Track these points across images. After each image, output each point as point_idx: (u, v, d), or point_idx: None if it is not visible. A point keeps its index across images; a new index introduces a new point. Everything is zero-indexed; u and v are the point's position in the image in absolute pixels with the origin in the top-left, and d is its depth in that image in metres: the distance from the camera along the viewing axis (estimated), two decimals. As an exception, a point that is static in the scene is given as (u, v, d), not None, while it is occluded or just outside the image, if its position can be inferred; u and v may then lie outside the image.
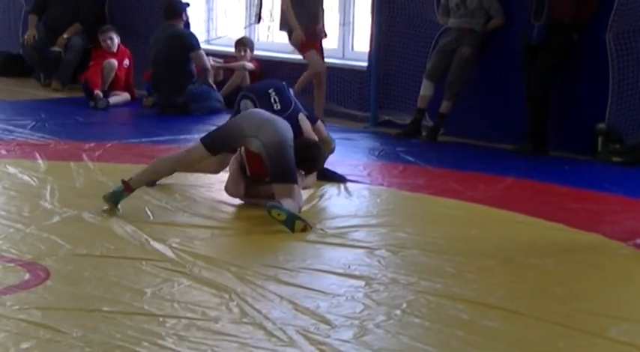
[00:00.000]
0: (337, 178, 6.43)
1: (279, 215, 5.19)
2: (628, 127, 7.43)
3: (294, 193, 5.44)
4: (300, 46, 8.55)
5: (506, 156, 7.60)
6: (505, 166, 7.00)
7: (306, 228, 5.23)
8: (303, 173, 5.81)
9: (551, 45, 7.49)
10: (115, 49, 9.73)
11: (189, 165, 5.80)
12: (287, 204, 5.29)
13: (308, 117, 6.06)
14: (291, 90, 6.20)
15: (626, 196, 6.27)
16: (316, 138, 5.98)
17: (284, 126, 5.55)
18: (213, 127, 8.16)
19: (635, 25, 7.30)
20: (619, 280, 4.69)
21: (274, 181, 5.47)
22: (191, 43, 9.19)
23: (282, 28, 8.74)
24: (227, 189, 5.82)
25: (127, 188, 5.44)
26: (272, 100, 5.93)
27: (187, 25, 9.49)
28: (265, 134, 5.45)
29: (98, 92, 9.38)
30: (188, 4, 9.50)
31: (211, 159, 5.71)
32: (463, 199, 6.10)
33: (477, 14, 8.06)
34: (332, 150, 6.43)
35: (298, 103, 6.07)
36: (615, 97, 7.50)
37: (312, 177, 6.09)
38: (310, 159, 5.76)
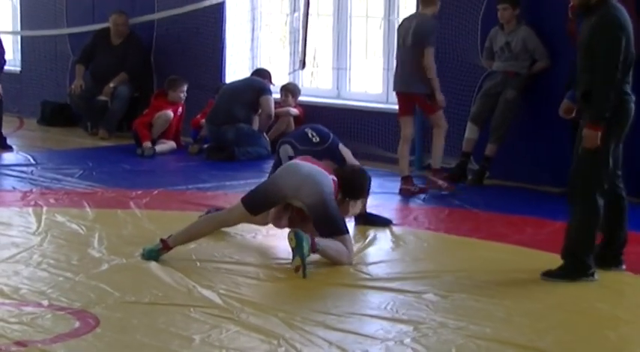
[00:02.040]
0: (382, 222, 6.41)
1: (291, 240, 5.21)
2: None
3: (346, 242, 5.45)
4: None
5: (554, 199, 7.53)
6: (552, 209, 6.94)
7: (298, 268, 5.19)
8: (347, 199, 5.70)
9: None
10: (182, 101, 9.87)
11: (232, 225, 5.78)
12: (335, 246, 5.33)
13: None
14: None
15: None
16: (357, 164, 6.01)
17: (322, 178, 5.48)
18: (259, 174, 8.33)
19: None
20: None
21: (327, 236, 5.44)
22: (266, 88, 9.41)
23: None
24: (271, 221, 5.80)
25: (165, 246, 5.43)
26: (310, 136, 6.00)
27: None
28: (306, 194, 5.42)
29: (147, 143, 9.48)
30: (273, 84, 9.67)
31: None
32: (510, 243, 6.06)
33: (521, 57, 8.05)
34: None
35: (336, 138, 6.12)
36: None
37: (359, 203, 5.93)
38: (356, 186, 5.74)
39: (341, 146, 6.09)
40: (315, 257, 5.36)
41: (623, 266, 5.41)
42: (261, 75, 9.67)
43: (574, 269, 5.20)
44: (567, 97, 5.54)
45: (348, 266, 5.42)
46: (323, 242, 5.36)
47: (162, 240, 5.44)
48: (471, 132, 8.22)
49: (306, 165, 5.57)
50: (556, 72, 7.90)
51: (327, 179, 5.52)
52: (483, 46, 8.33)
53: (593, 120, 5.11)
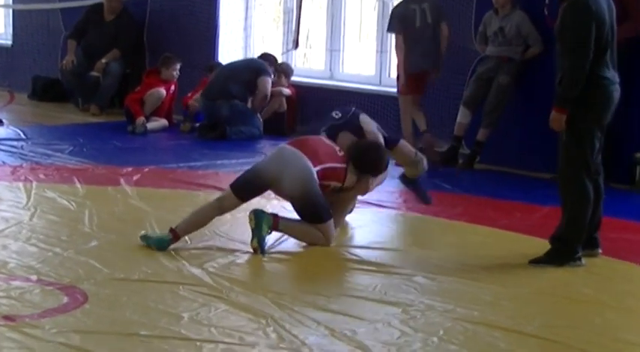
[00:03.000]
0: (423, 198, 6.34)
1: (251, 220, 5.27)
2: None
3: (324, 229, 5.43)
4: None
5: (544, 185, 7.55)
6: (542, 195, 6.96)
7: (256, 250, 5.23)
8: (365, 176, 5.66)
9: None
10: (175, 79, 9.82)
11: (230, 210, 5.62)
12: (301, 227, 5.38)
13: (388, 139, 5.97)
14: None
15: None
16: (380, 139, 5.85)
17: (302, 167, 5.39)
18: (251, 154, 8.33)
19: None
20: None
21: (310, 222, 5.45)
22: (265, 69, 9.34)
23: None
24: None
25: (175, 237, 5.28)
26: (333, 114, 5.94)
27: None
28: (289, 185, 5.38)
29: (140, 118, 9.46)
30: (275, 70, 9.59)
31: None
32: (499, 227, 6.08)
33: (515, 42, 8.05)
34: (422, 170, 6.21)
35: (357, 110, 6.06)
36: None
37: (378, 179, 5.83)
38: (369, 163, 5.65)
39: (362, 118, 5.92)
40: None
41: (599, 250, 5.42)
42: (266, 58, 9.62)
43: (561, 254, 5.22)
44: None
45: (338, 248, 5.42)
46: (287, 222, 5.39)
47: (171, 230, 5.29)
48: (463, 116, 8.22)
49: (290, 152, 5.47)
50: (550, 58, 7.88)
51: (307, 166, 5.40)
52: (477, 30, 8.33)
53: (558, 103, 5.15)
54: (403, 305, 4.46)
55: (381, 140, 5.88)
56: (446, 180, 7.57)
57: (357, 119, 5.89)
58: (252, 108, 9.36)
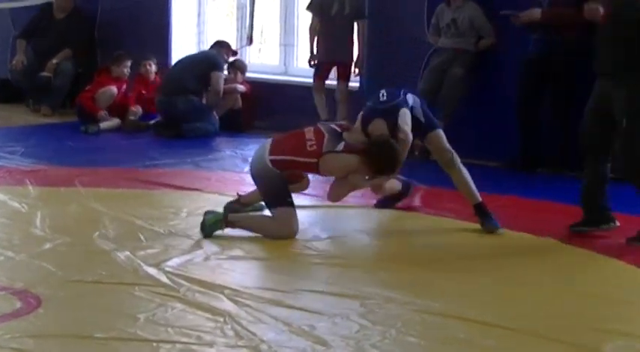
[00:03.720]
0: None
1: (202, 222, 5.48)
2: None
3: (277, 217, 5.50)
4: None
5: (499, 175, 7.57)
6: (498, 185, 6.98)
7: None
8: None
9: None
10: (126, 77, 9.72)
11: None
12: (251, 220, 5.59)
13: (427, 125, 5.81)
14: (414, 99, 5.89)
15: (624, 213, 6.23)
16: (407, 134, 5.61)
17: (257, 153, 5.67)
18: (208, 151, 8.29)
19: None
20: (615, 296, 4.66)
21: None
22: (217, 63, 9.26)
23: None
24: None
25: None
26: (380, 95, 5.82)
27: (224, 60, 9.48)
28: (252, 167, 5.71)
29: (101, 112, 9.36)
30: (236, 53, 9.61)
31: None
32: (459, 218, 6.07)
33: (468, 34, 8.05)
34: (449, 162, 5.91)
35: (412, 101, 5.81)
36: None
37: (386, 179, 5.81)
38: (375, 161, 5.50)
39: (402, 112, 5.66)
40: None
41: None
42: (221, 45, 9.48)
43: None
44: None
45: (297, 242, 5.40)
46: (238, 216, 5.60)
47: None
48: (418, 108, 8.20)
49: (268, 140, 5.69)
50: (502, 49, 7.92)
51: (260, 154, 5.61)
52: (430, 22, 8.32)
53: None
54: (362, 299, 4.44)
55: (410, 139, 5.65)
56: (402, 171, 7.54)
57: (398, 112, 5.67)
58: (207, 105, 9.29)
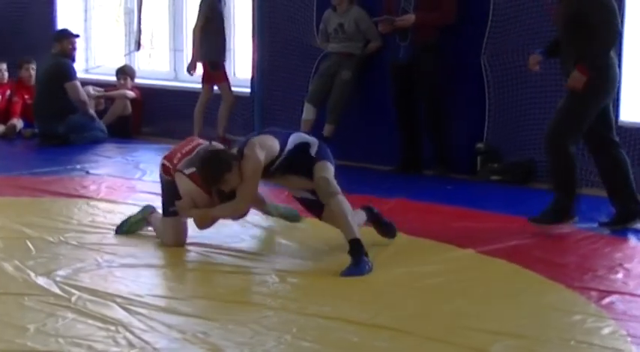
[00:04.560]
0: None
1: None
2: (506, 147, 7.61)
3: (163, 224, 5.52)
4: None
5: (389, 178, 7.69)
6: (388, 188, 7.08)
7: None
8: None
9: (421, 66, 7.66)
10: (5, 80, 9.52)
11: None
12: (159, 226, 5.56)
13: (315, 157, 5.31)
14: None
15: (504, 214, 6.41)
16: (253, 153, 5.12)
17: None
18: (96, 157, 8.17)
19: (507, 48, 7.50)
20: (501, 296, 4.78)
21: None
22: (66, 73, 9.00)
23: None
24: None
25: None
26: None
27: (72, 56, 9.24)
28: None
29: None
30: (77, 35, 9.35)
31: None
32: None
33: (355, 38, 8.16)
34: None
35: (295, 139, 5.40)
36: (492, 117, 7.68)
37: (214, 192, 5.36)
38: (201, 173, 5.22)
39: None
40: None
41: None
42: (59, 40, 9.18)
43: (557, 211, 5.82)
44: (538, 52, 6.07)
45: (194, 249, 5.39)
46: (155, 218, 5.63)
47: None
48: (308, 112, 8.29)
49: None
50: (388, 52, 8.03)
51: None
52: (319, 28, 8.39)
53: (591, 63, 5.65)
54: (257, 305, 4.45)
55: (257, 159, 5.14)
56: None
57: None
58: (85, 115, 9.09)
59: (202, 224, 5.44)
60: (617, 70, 5.86)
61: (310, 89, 8.33)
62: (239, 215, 5.54)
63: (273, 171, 5.28)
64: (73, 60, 9.17)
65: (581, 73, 5.63)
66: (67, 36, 9.17)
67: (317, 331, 4.14)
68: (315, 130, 8.26)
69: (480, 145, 7.68)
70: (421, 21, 7.62)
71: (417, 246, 5.62)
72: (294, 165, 5.31)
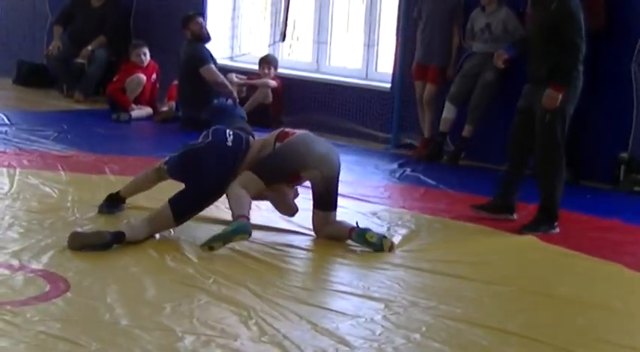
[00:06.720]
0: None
1: (372, 237, 5.31)
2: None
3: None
4: None
5: (529, 183, 7.56)
6: (527, 192, 6.97)
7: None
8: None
9: None
10: (146, 64, 9.75)
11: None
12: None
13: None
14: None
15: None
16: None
17: (338, 158, 5.49)
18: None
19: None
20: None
21: (326, 209, 5.44)
22: (198, 59, 9.06)
23: None
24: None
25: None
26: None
27: (203, 37, 9.31)
28: (327, 168, 5.38)
29: (132, 105, 9.43)
30: (200, 14, 9.42)
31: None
32: (484, 224, 6.08)
33: (501, 39, 8.05)
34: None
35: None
36: (639, 126, 7.47)
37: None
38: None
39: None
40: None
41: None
42: (186, 26, 9.17)
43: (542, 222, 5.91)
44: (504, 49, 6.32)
45: (323, 241, 5.42)
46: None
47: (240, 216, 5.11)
48: (448, 111, 8.23)
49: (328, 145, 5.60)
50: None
51: (339, 162, 5.55)
52: (465, 26, 8.33)
53: (563, 81, 5.80)
54: (386, 301, 4.45)
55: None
56: (430, 175, 7.57)
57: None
58: (227, 99, 9.18)
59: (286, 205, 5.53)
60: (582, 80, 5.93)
61: (452, 88, 8.27)
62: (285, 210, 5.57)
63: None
64: (208, 39, 9.17)
65: (557, 91, 5.72)
66: (190, 18, 9.25)
67: (446, 332, 4.12)
68: (454, 130, 8.22)
69: (623, 155, 7.48)
70: None
71: (549, 254, 5.53)
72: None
